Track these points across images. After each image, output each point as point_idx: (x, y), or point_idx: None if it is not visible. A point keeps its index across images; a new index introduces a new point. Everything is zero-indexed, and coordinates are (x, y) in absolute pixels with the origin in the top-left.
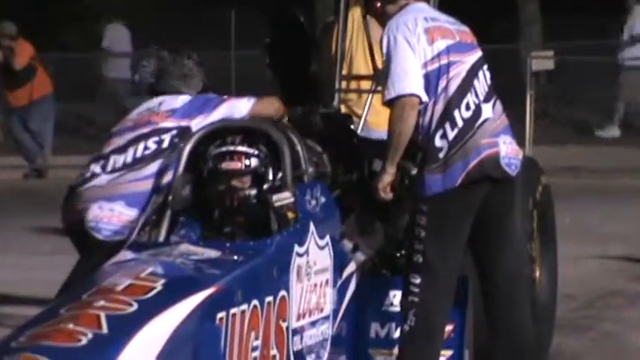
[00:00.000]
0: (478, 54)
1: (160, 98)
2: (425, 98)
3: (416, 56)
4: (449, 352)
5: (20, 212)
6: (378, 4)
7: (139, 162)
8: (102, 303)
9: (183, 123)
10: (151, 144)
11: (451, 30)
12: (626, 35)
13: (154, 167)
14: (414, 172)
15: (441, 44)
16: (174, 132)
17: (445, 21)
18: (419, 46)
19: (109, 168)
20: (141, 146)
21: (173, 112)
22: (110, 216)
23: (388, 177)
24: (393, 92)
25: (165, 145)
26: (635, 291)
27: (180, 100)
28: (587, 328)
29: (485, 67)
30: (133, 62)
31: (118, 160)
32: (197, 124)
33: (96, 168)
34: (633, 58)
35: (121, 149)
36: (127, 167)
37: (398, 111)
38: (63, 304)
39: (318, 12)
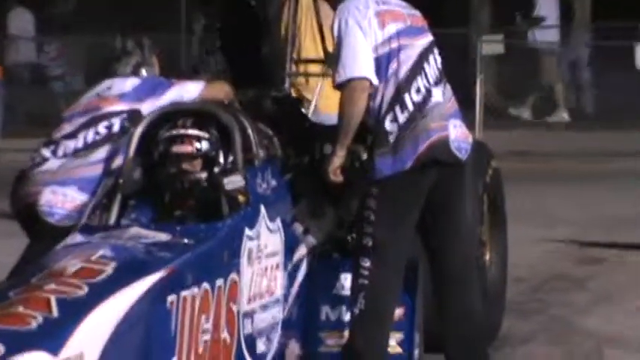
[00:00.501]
0: (429, 38)
1: (109, 82)
2: (375, 82)
3: (367, 39)
4: (399, 335)
5: None
6: None
7: (90, 147)
8: (52, 286)
9: (134, 106)
10: (101, 128)
11: (402, 13)
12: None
13: (104, 151)
14: (365, 155)
15: (392, 28)
16: (124, 116)
17: (396, 4)
18: (370, 30)
19: (60, 153)
20: (91, 131)
21: (122, 95)
22: (63, 201)
23: (338, 160)
24: (344, 75)
25: (115, 129)
26: (581, 274)
27: (130, 84)
28: (535, 312)
29: (435, 51)
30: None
31: (68, 145)
32: (147, 107)
33: (46, 152)
34: (541, 41)
35: (72, 134)
36: (77, 152)
37: (348, 94)
38: (13, 287)
39: None
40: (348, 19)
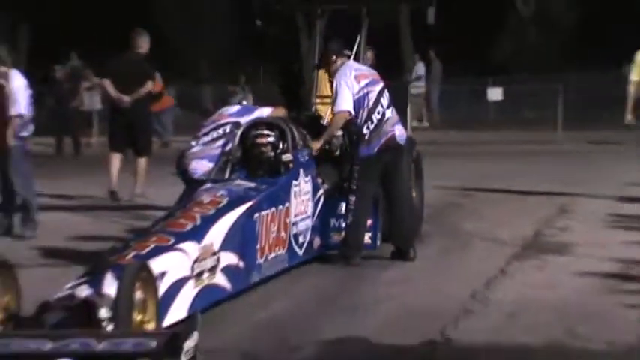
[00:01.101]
0: (382, 85)
1: (226, 107)
2: (353, 112)
3: (350, 90)
4: (369, 234)
5: (158, 165)
6: (332, 59)
7: (214, 140)
8: (196, 209)
9: (237, 120)
10: (220, 131)
11: (368, 74)
12: (413, 75)
13: (222, 142)
14: (344, 144)
15: (363, 82)
16: (232, 124)
17: (365, 70)
18: (351, 84)
19: (200, 143)
20: (215, 132)
21: (231, 114)
22: (202, 167)
23: (319, 144)
24: (337, 108)
25: (227, 131)
26: (462, 203)
27: (235, 108)
28: (437, 222)
29: (386, 91)
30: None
31: (204, 139)
32: (244, 120)
33: (193, 142)
34: (417, 86)
35: (206, 133)
36: (208, 142)
37: (337, 117)
38: (177, 210)
39: (305, 63)
40: (341, 80)
